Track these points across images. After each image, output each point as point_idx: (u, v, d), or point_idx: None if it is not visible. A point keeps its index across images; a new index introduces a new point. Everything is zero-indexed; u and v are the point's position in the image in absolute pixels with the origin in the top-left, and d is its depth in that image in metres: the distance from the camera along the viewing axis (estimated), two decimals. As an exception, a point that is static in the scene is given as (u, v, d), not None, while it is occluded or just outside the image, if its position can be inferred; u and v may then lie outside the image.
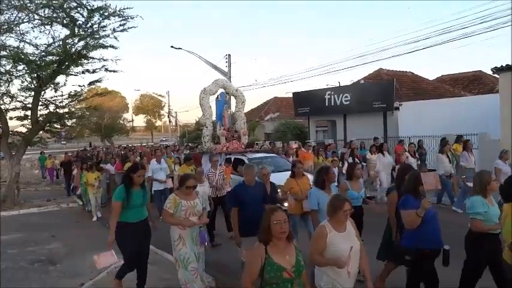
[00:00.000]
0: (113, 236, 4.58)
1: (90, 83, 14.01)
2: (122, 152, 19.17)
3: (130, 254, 4.66)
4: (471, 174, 7.93)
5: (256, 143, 14.49)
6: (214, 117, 13.52)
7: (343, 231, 3.26)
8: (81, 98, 14.60)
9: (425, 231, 3.77)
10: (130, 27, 12.69)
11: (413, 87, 21.01)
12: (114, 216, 4.61)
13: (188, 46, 75.60)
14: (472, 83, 23.22)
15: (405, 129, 15.84)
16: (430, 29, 28.12)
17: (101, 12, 12.08)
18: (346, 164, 9.92)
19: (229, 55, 23.00)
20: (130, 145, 32.73)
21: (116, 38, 12.63)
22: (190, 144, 22.54)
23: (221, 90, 13.28)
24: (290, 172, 6.20)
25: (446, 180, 9.54)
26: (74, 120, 17.64)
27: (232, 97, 13.63)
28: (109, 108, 51.59)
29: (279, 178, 6.88)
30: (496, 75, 13.38)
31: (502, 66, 12.20)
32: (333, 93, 19.19)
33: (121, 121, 64.36)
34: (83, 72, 13.15)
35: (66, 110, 14.15)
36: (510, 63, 11.95)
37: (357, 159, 10.81)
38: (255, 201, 4.80)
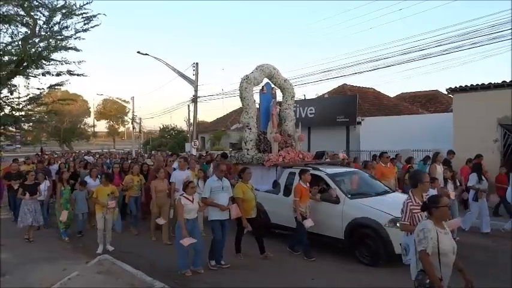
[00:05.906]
0: None
1: (50, 87, 13.51)
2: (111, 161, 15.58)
3: None
4: None
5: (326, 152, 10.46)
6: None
7: None
8: (40, 101, 14.04)
9: None
10: (93, 26, 12.44)
11: (375, 103, 21.82)
12: None
13: (155, 52, 74.95)
14: (429, 102, 24.44)
15: (366, 143, 16.38)
16: (391, 49, 29.32)
17: (63, 11, 11.79)
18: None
19: (197, 63, 22.89)
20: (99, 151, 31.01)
21: (78, 39, 12.37)
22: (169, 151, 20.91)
23: (266, 80, 10.05)
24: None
25: None
26: (31, 124, 16.91)
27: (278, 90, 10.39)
28: (69, 111, 49.65)
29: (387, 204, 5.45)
30: (450, 95, 14.16)
31: (456, 87, 12.93)
32: (298, 105, 19.56)
33: (82, 126, 62.41)
34: (43, 75, 12.69)
35: (22, 113, 13.55)
36: (463, 85, 12.70)
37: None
38: None
